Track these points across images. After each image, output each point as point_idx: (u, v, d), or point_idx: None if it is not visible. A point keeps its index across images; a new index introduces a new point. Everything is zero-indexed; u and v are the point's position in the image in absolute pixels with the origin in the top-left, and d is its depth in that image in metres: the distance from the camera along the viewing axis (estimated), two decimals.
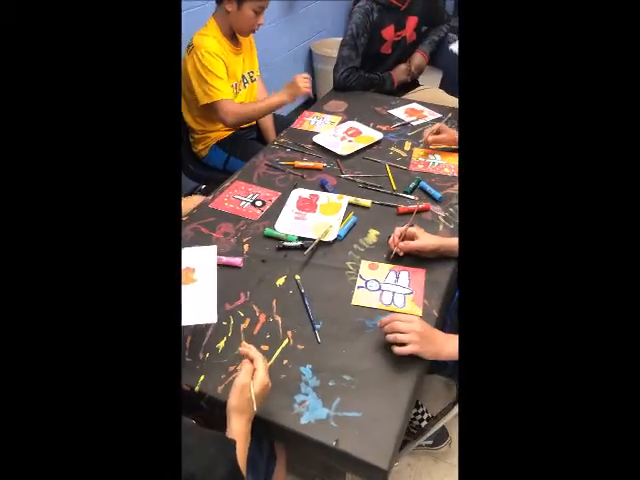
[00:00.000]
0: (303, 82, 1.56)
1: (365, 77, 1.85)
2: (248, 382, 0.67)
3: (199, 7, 1.69)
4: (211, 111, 1.60)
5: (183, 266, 0.83)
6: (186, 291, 0.79)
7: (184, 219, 1.18)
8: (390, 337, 0.81)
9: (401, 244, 1.02)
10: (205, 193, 1.97)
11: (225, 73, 1.56)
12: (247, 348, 0.72)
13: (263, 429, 0.75)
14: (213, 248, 0.86)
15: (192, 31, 1.57)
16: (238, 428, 0.66)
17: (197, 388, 0.78)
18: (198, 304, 0.77)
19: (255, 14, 1.52)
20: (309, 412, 0.74)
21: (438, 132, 1.40)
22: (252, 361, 0.70)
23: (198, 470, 0.56)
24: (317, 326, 0.89)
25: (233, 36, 1.63)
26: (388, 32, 1.81)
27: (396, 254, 1.02)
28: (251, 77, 1.77)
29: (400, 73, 1.92)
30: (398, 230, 1.04)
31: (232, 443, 0.63)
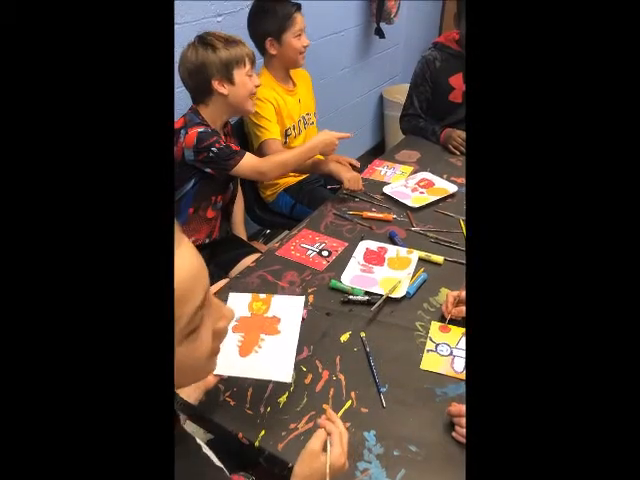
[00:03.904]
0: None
1: (413, 124, 1.99)
2: (318, 450, 0.67)
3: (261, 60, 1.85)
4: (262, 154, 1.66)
5: (270, 314, 0.87)
6: (268, 342, 0.82)
7: (251, 265, 1.25)
8: (458, 435, 0.80)
9: (454, 310, 1.02)
10: (267, 240, 2.07)
11: (274, 116, 1.68)
12: (326, 420, 0.71)
13: None
14: (301, 300, 0.89)
15: None
16: None
17: (257, 443, 0.81)
18: (276, 359, 0.79)
19: (297, 39, 1.66)
20: None
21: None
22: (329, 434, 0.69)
23: None
24: (382, 389, 0.90)
25: (286, 77, 1.77)
26: (457, 80, 1.87)
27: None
28: (309, 120, 1.87)
29: (450, 139, 1.83)
30: (451, 295, 1.03)
31: None
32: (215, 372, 0.78)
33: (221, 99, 1.33)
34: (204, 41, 1.29)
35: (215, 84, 1.30)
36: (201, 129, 1.29)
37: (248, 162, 1.35)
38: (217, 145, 1.29)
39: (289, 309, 0.87)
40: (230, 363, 0.80)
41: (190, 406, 0.76)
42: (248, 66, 1.33)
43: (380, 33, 2.73)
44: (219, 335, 0.49)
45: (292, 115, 1.77)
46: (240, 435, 0.82)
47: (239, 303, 0.89)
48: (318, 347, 1.00)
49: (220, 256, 1.52)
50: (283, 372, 0.77)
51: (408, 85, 2.02)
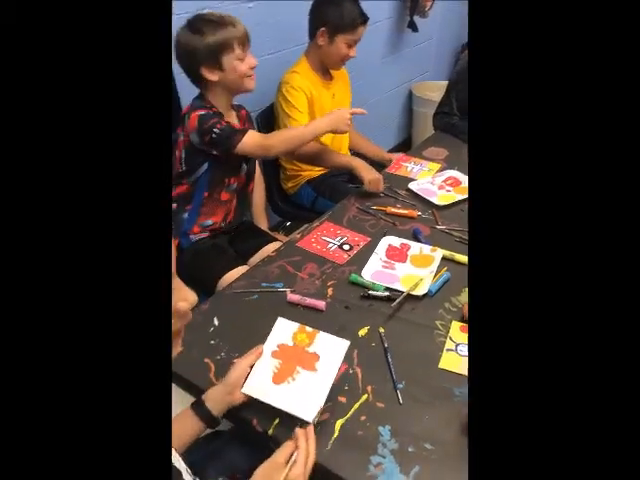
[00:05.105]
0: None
1: (445, 121, 1.99)
2: (281, 462, 0.68)
3: (293, 49, 1.86)
4: None
5: (311, 349, 0.86)
6: (302, 376, 0.83)
7: (272, 255, 1.26)
8: None
9: None
10: (288, 232, 2.09)
11: (306, 107, 1.68)
12: (302, 435, 0.72)
13: None
14: (345, 344, 0.87)
15: (283, 71, 1.74)
16: None
17: (271, 431, 0.82)
18: (305, 396, 0.80)
19: (347, 47, 1.66)
20: (385, 476, 0.76)
21: None
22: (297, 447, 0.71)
23: None
24: (399, 385, 0.90)
25: (325, 71, 1.77)
26: None
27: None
28: None
29: None
30: None
31: None
32: (246, 391, 0.82)
33: (215, 84, 1.34)
34: (193, 26, 1.28)
35: (204, 71, 1.31)
36: (202, 112, 1.31)
37: (251, 139, 1.34)
38: (218, 126, 1.30)
39: (331, 350, 0.86)
40: (262, 387, 0.82)
41: (213, 417, 0.81)
42: (238, 50, 1.31)
43: (413, 26, 2.72)
44: (178, 315, 0.50)
45: (324, 109, 1.76)
46: (254, 422, 0.84)
47: (284, 330, 0.90)
48: None
49: (239, 244, 1.54)
50: (308, 411, 0.78)
51: (439, 82, 2.02)
